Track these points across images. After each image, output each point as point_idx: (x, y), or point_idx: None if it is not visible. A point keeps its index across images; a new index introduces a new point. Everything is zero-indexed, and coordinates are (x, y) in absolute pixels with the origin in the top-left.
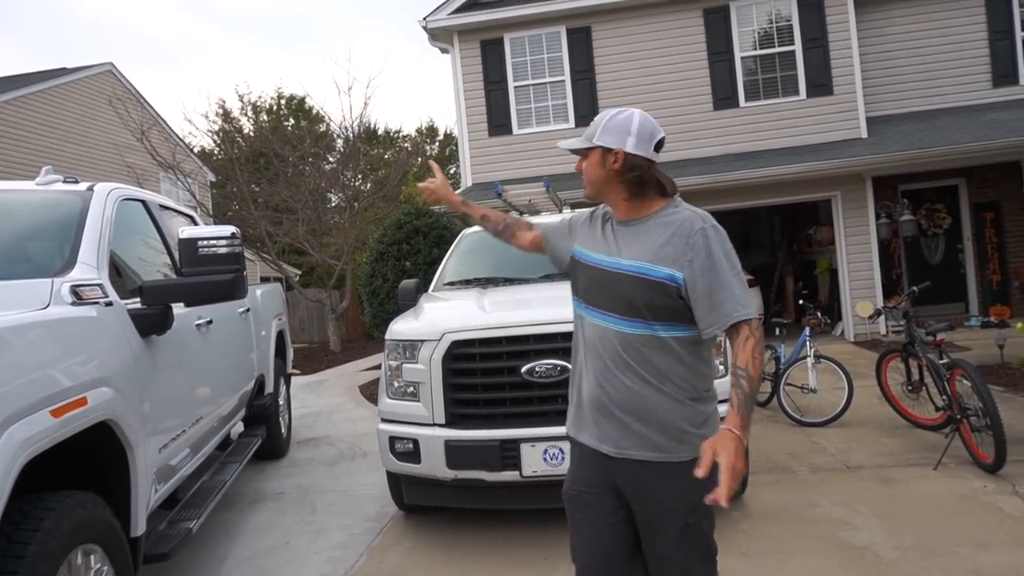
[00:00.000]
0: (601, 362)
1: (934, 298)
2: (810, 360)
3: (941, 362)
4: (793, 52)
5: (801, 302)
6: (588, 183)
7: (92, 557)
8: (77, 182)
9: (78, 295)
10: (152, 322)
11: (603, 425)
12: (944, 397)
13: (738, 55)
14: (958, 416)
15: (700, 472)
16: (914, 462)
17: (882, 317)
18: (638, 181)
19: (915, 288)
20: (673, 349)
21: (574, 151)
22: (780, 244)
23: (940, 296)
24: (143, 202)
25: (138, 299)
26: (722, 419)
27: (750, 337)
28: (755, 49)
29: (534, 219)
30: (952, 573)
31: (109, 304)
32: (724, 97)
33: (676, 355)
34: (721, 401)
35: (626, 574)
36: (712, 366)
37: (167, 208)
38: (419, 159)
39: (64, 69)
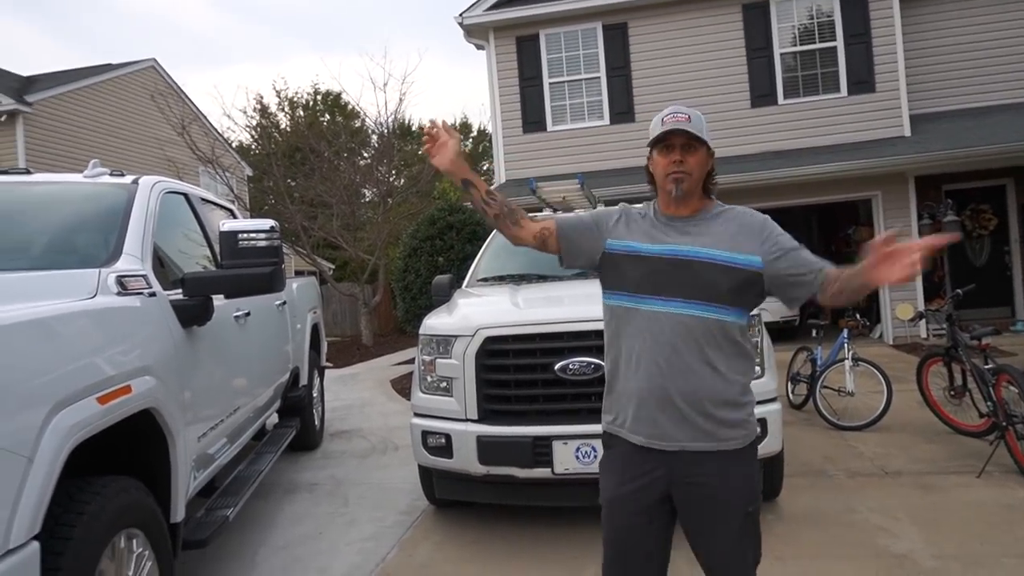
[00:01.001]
0: (666, 350)
1: (979, 301)
2: (848, 363)
3: (986, 367)
4: (835, 48)
5: None
6: (691, 179)
7: (134, 541)
8: (123, 175)
9: (123, 285)
10: (193, 313)
11: (660, 420)
12: (989, 403)
13: (777, 51)
14: (1004, 423)
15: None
16: (956, 469)
17: (923, 320)
18: (711, 180)
19: (959, 291)
20: (734, 335)
21: (686, 141)
22: (817, 244)
23: (985, 299)
24: (185, 195)
25: (180, 290)
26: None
27: (838, 276)
28: (795, 45)
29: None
30: None
31: (152, 295)
32: (762, 94)
33: (735, 342)
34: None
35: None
36: (754, 357)
37: (208, 201)
38: None
39: (109, 65)
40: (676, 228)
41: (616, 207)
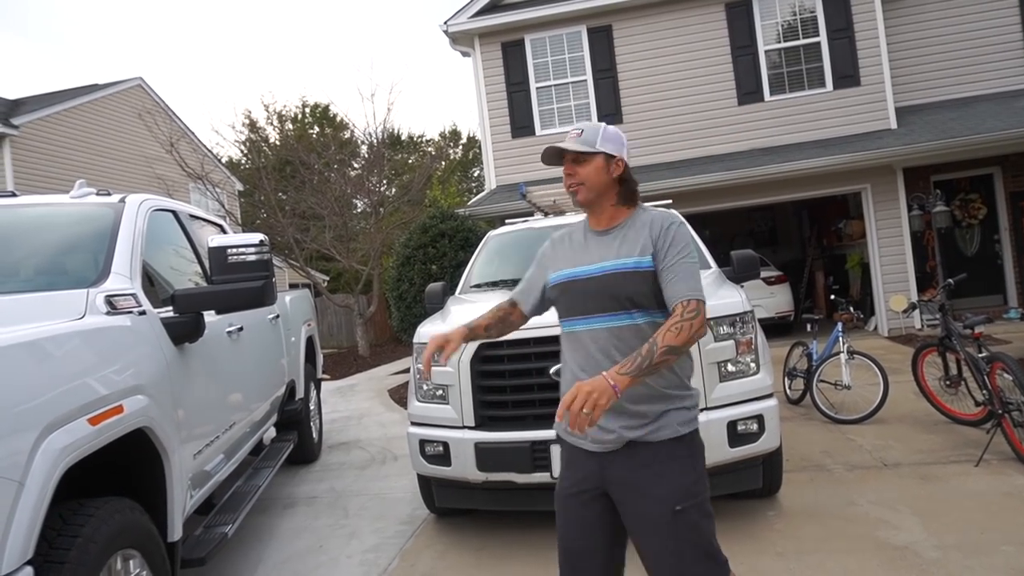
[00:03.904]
0: (584, 358)
1: (971, 290)
2: (843, 356)
3: (980, 356)
4: (818, 44)
5: (832, 297)
6: (587, 188)
7: (131, 562)
8: (110, 194)
9: (112, 305)
10: (184, 330)
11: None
12: (984, 392)
13: (762, 48)
14: (999, 411)
15: (559, 410)
16: (954, 459)
17: (917, 311)
18: (629, 188)
19: (951, 281)
20: (646, 335)
21: (574, 155)
22: (809, 239)
23: (977, 288)
24: (173, 212)
25: (170, 308)
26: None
27: (678, 316)
28: (779, 42)
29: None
30: (996, 572)
31: (143, 313)
32: (749, 92)
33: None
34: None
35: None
36: (689, 355)
37: (197, 217)
38: (442, 163)
39: (96, 85)
40: (597, 242)
41: (560, 232)
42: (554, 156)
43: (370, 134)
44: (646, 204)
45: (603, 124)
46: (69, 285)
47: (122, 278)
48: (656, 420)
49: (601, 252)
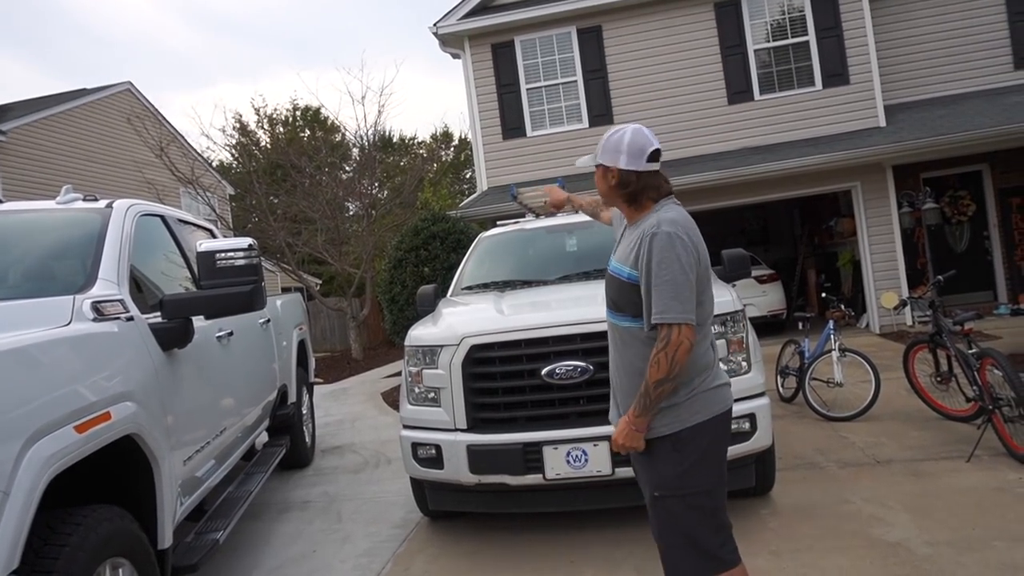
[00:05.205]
0: (611, 350)
1: (961, 287)
2: (835, 354)
3: (970, 352)
4: (807, 42)
5: (824, 295)
6: (601, 195)
7: (120, 571)
8: (97, 200)
9: (99, 311)
10: (173, 336)
11: (611, 409)
12: (975, 388)
13: (751, 48)
14: (990, 407)
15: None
16: (946, 455)
17: (908, 308)
18: (630, 193)
19: (940, 277)
20: (638, 338)
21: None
22: (801, 237)
23: (967, 285)
24: (161, 217)
25: (159, 313)
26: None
27: (655, 347)
28: (768, 41)
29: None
30: (988, 568)
31: (130, 319)
32: (738, 91)
33: (644, 341)
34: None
35: None
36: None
37: (185, 222)
38: (434, 165)
39: (84, 90)
40: (623, 238)
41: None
42: None
43: (361, 136)
44: (661, 203)
45: (609, 134)
46: (55, 291)
47: (109, 284)
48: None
49: (616, 249)
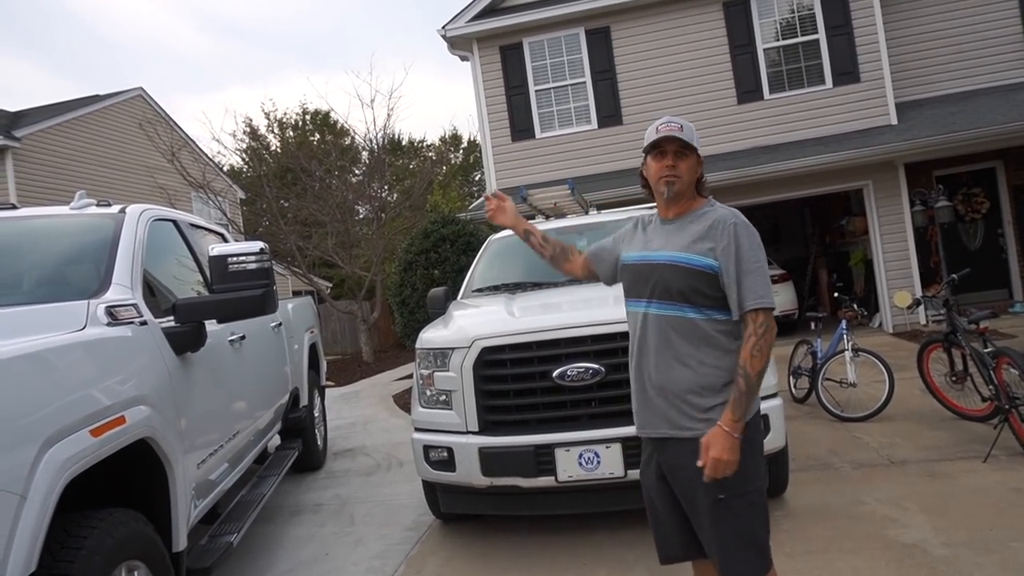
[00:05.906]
0: (644, 346)
1: (975, 285)
2: (848, 354)
3: (986, 351)
4: (817, 41)
5: (836, 295)
6: (683, 182)
7: (136, 573)
8: (110, 205)
9: (113, 316)
10: (186, 340)
11: (642, 412)
12: (991, 387)
13: (760, 47)
14: (1006, 406)
15: (700, 463)
16: (962, 455)
17: (921, 307)
18: (703, 183)
19: (955, 276)
20: (703, 330)
21: (678, 148)
22: (812, 236)
23: (982, 283)
24: (174, 222)
25: (172, 317)
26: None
27: (752, 335)
28: (777, 40)
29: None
30: (1007, 570)
31: (144, 323)
32: (748, 90)
33: (706, 336)
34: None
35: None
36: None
37: (197, 227)
38: (443, 167)
39: (97, 96)
40: (663, 231)
41: (639, 217)
42: (662, 143)
43: (371, 140)
44: (712, 199)
45: (681, 122)
46: (70, 296)
47: (123, 288)
48: (704, 413)
49: (662, 241)
